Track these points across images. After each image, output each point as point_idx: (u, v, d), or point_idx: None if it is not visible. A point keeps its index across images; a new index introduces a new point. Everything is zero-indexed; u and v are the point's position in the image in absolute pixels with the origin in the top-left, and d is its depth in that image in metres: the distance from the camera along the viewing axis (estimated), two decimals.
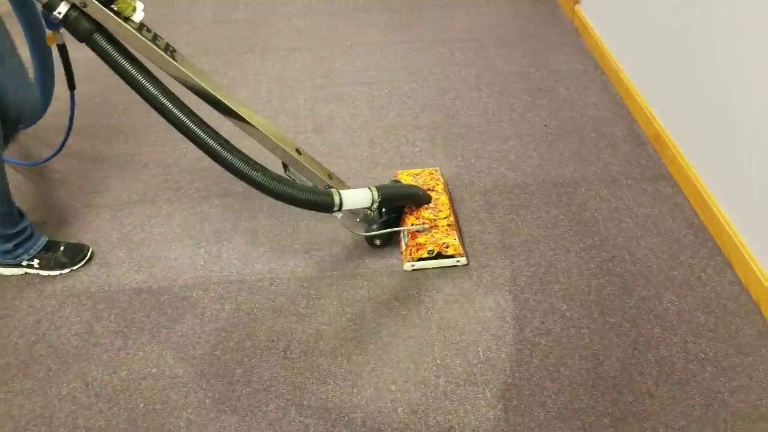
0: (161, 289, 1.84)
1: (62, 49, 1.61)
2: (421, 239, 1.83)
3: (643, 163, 2.21)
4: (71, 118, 1.92)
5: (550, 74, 2.71)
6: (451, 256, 1.82)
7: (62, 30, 1.43)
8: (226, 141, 1.49)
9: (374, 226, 1.87)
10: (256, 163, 1.51)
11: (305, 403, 1.52)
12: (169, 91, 1.46)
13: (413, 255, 1.82)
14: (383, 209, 1.87)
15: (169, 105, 1.44)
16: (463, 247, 1.87)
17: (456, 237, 1.84)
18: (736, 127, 1.78)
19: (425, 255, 1.80)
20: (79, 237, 2.00)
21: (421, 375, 1.57)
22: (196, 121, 1.46)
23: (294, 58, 2.90)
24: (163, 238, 2.00)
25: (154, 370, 1.62)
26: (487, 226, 1.98)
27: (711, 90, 1.90)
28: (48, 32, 1.51)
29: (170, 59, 1.48)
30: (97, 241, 1.99)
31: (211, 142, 1.46)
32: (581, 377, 1.55)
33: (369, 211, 1.77)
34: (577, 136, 2.35)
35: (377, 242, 1.91)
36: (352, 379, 1.57)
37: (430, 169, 2.11)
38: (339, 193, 1.65)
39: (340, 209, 1.65)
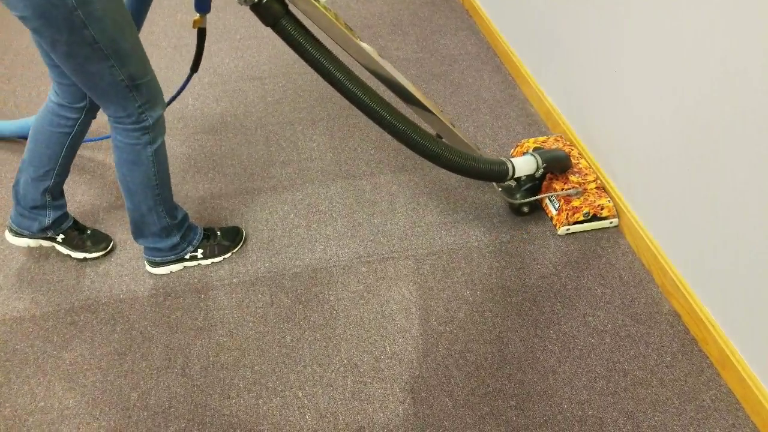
0: (45, 315, 1.71)
1: (202, 33, 1.67)
2: (575, 203, 1.85)
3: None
4: (178, 92, 1.96)
5: (443, 59, 2.72)
6: (606, 218, 1.87)
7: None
8: (414, 124, 1.61)
9: (517, 195, 1.90)
10: (439, 141, 1.66)
11: (207, 421, 1.46)
12: (356, 75, 1.54)
13: (569, 219, 1.86)
14: (521, 177, 1.89)
15: (358, 92, 1.52)
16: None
17: (609, 199, 1.88)
18: (616, 90, 1.84)
19: (581, 218, 1.85)
20: None
21: (328, 377, 1.53)
22: (384, 106, 1.56)
23: (180, 55, 2.76)
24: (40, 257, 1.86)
25: (42, 404, 1.51)
26: (389, 217, 1.96)
27: (593, 65, 1.95)
28: (196, 15, 1.57)
29: (352, 37, 1.54)
30: None
31: (402, 127, 1.58)
32: (487, 361, 1.56)
33: (513, 181, 1.86)
34: (471, 120, 2.36)
35: (525, 209, 1.93)
36: (257, 390, 1.51)
37: (555, 135, 2.14)
38: (511, 161, 1.79)
39: (513, 176, 1.79)
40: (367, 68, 1.62)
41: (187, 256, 1.78)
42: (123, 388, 1.52)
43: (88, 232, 1.84)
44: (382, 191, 2.05)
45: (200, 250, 1.79)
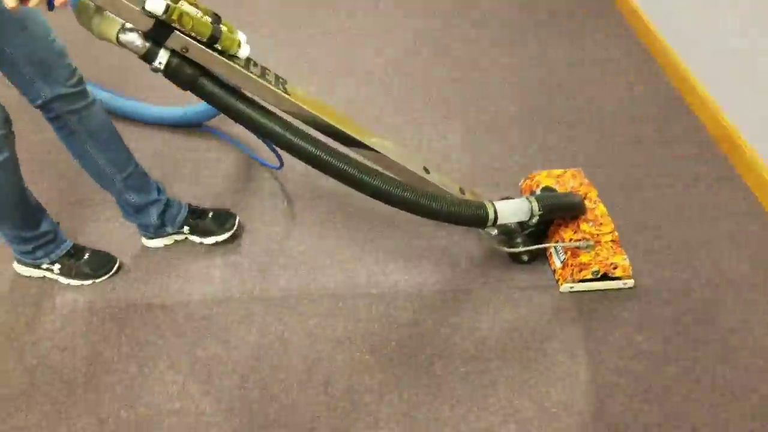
0: (175, 306, 1.63)
1: None
2: (584, 258, 1.60)
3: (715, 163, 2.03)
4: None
5: (592, 61, 2.49)
6: (618, 278, 1.63)
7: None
8: (365, 166, 1.38)
9: (518, 239, 1.66)
10: (399, 182, 1.42)
11: None
12: (291, 124, 1.32)
13: (574, 275, 1.60)
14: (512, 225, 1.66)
15: (299, 141, 1.31)
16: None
17: (626, 256, 1.62)
18: None
19: (589, 276, 1.60)
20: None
21: (486, 420, 1.39)
22: (329, 151, 1.34)
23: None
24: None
25: (178, 405, 1.43)
26: None
27: None
28: None
29: (283, 94, 1.32)
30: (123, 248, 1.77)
31: (353, 171, 1.35)
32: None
33: (493, 228, 1.62)
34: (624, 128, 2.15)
35: (525, 258, 1.70)
36: (407, 424, 1.39)
37: (573, 170, 1.84)
38: (493, 205, 1.53)
39: (495, 224, 1.53)
40: (307, 122, 1.39)
41: (43, 266, 1.66)
42: (262, 399, 1.43)
43: (210, 215, 1.76)
44: None
45: (57, 266, 1.66)
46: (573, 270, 1.61)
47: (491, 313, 1.60)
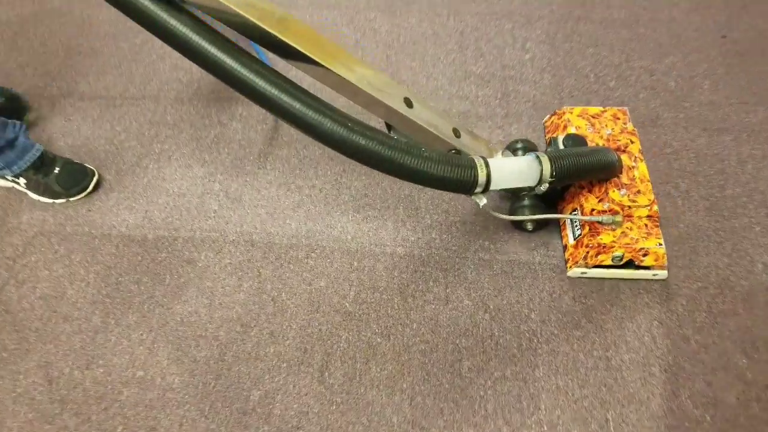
0: (159, 241, 1.33)
1: None
2: (605, 237, 1.19)
3: None
4: None
5: None
6: (647, 268, 1.22)
7: None
8: (291, 87, 0.92)
9: (524, 201, 1.26)
10: (344, 115, 0.94)
11: None
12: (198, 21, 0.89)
13: (589, 259, 1.22)
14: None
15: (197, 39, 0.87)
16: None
17: (662, 241, 1.19)
18: None
19: (608, 262, 1.21)
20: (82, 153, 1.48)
21: None
22: (233, 54, 0.88)
23: None
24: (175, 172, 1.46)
25: (141, 374, 1.17)
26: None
27: None
28: None
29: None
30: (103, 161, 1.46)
31: (260, 82, 0.89)
32: None
33: (482, 196, 1.11)
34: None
35: (529, 226, 1.30)
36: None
37: (615, 109, 1.38)
38: (486, 165, 1.04)
39: (486, 190, 1.06)
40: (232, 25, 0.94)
41: (8, 177, 1.37)
42: (242, 382, 1.15)
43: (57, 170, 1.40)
44: None
45: (23, 179, 1.36)
46: (588, 252, 1.20)
47: (472, 294, 1.24)
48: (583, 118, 1.35)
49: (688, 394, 1.11)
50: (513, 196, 1.29)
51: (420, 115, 1.08)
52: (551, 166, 1.10)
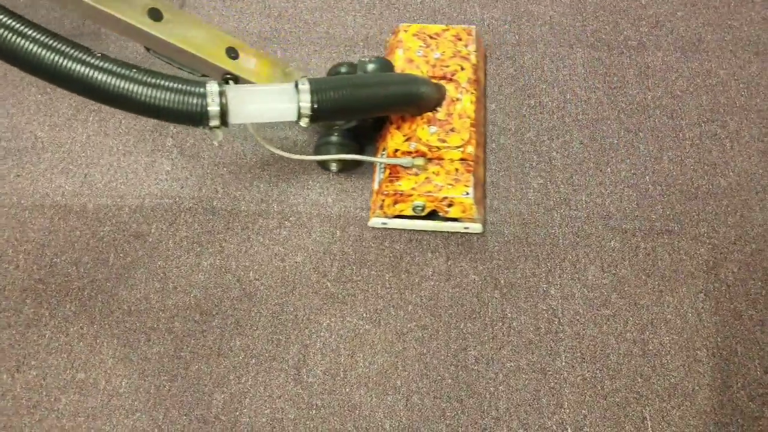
0: (100, 211, 1.11)
1: None
2: (405, 183, 1.02)
3: None
4: None
5: None
6: (456, 220, 1.04)
7: None
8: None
9: (332, 137, 1.06)
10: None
11: None
12: None
13: (387, 209, 1.03)
14: None
15: None
16: (483, 204, 1.06)
17: (471, 187, 1.00)
18: None
19: (408, 212, 1.03)
20: None
21: None
22: None
23: None
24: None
25: (81, 376, 0.97)
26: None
27: None
28: None
29: None
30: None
31: None
32: None
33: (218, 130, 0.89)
34: None
35: (333, 167, 1.11)
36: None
37: (462, 27, 1.15)
38: (222, 93, 0.83)
39: (224, 124, 0.85)
40: None
41: None
42: (202, 384, 0.96)
43: None
44: None
45: None
46: (384, 200, 1.02)
47: (479, 267, 1.03)
48: (419, 38, 1.13)
49: (741, 383, 0.93)
50: (321, 131, 1.09)
51: (173, 31, 0.90)
52: (312, 98, 0.87)
